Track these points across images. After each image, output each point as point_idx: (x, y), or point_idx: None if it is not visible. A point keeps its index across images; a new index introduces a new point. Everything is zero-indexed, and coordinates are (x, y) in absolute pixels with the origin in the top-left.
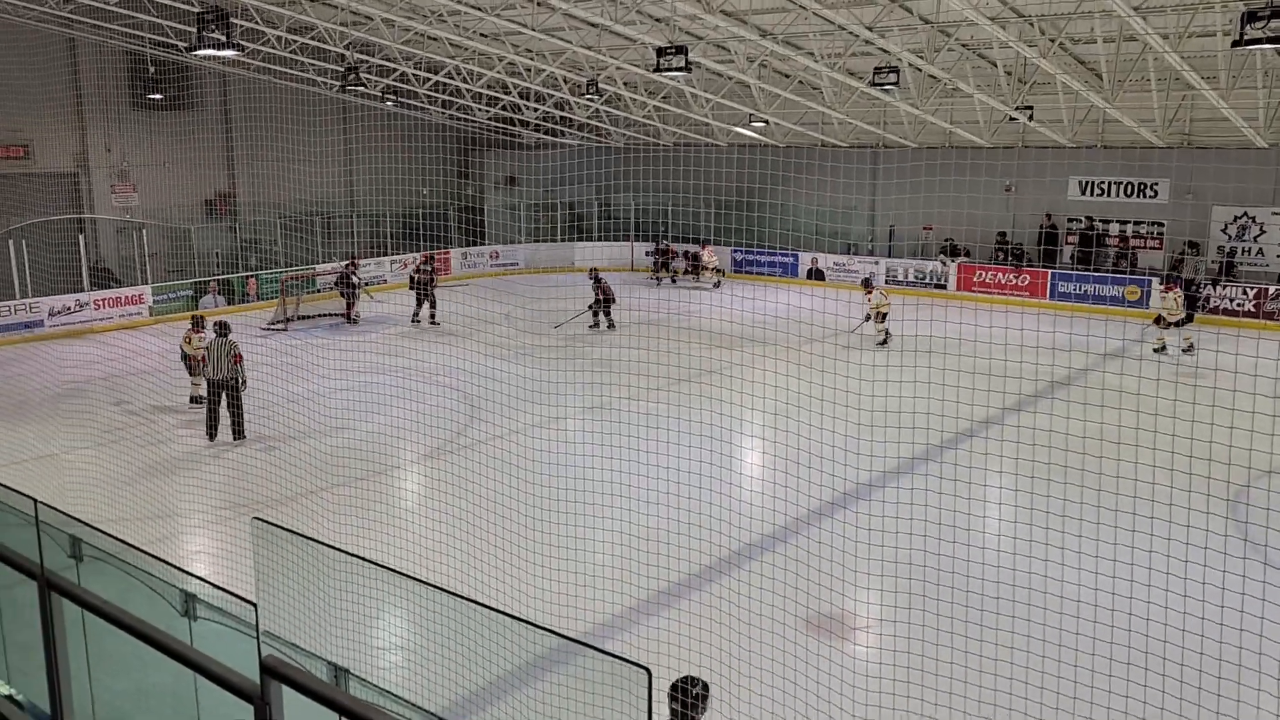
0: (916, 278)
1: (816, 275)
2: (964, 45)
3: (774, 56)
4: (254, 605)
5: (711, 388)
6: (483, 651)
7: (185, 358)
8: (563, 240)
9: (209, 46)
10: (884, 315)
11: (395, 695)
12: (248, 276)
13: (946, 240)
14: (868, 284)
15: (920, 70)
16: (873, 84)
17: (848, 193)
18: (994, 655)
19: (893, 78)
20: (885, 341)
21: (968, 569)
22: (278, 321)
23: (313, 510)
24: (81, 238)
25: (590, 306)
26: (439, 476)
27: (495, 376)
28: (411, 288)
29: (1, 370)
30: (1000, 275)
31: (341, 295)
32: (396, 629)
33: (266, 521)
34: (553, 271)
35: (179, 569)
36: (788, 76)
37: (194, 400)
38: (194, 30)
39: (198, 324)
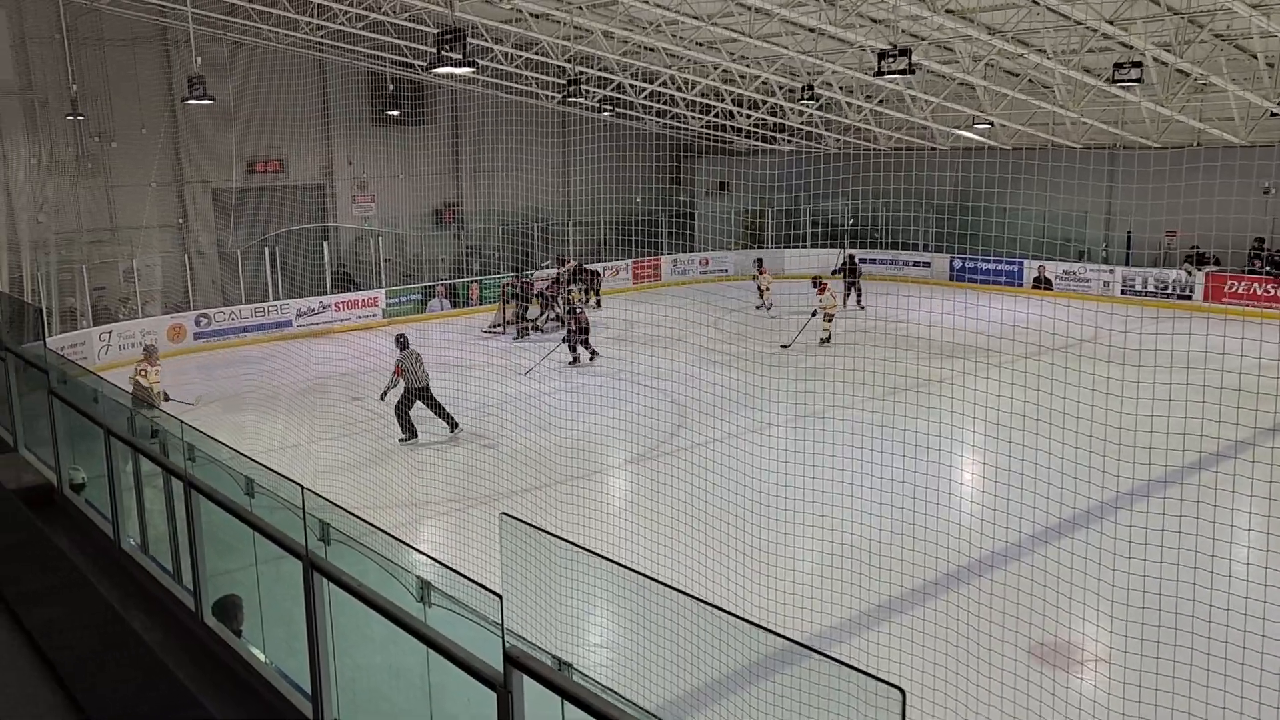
0: (1157, 287)
1: (1044, 284)
2: (1218, 36)
3: (1002, 55)
4: (499, 597)
5: (930, 398)
6: (706, 656)
7: (135, 389)
8: (774, 247)
9: (447, 64)
10: (830, 316)
11: (616, 693)
12: (471, 282)
13: (1193, 248)
14: (818, 282)
15: (1167, 65)
16: (1112, 81)
17: (1081, 194)
18: (1238, 708)
19: (1135, 73)
20: (827, 340)
21: (1211, 602)
22: (496, 325)
23: (526, 507)
24: (325, 244)
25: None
26: (648, 480)
27: (704, 382)
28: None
29: (255, 366)
30: (1257, 286)
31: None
32: (618, 627)
33: (513, 517)
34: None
35: (431, 558)
36: (1016, 75)
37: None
38: (431, 50)
39: (150, 354)
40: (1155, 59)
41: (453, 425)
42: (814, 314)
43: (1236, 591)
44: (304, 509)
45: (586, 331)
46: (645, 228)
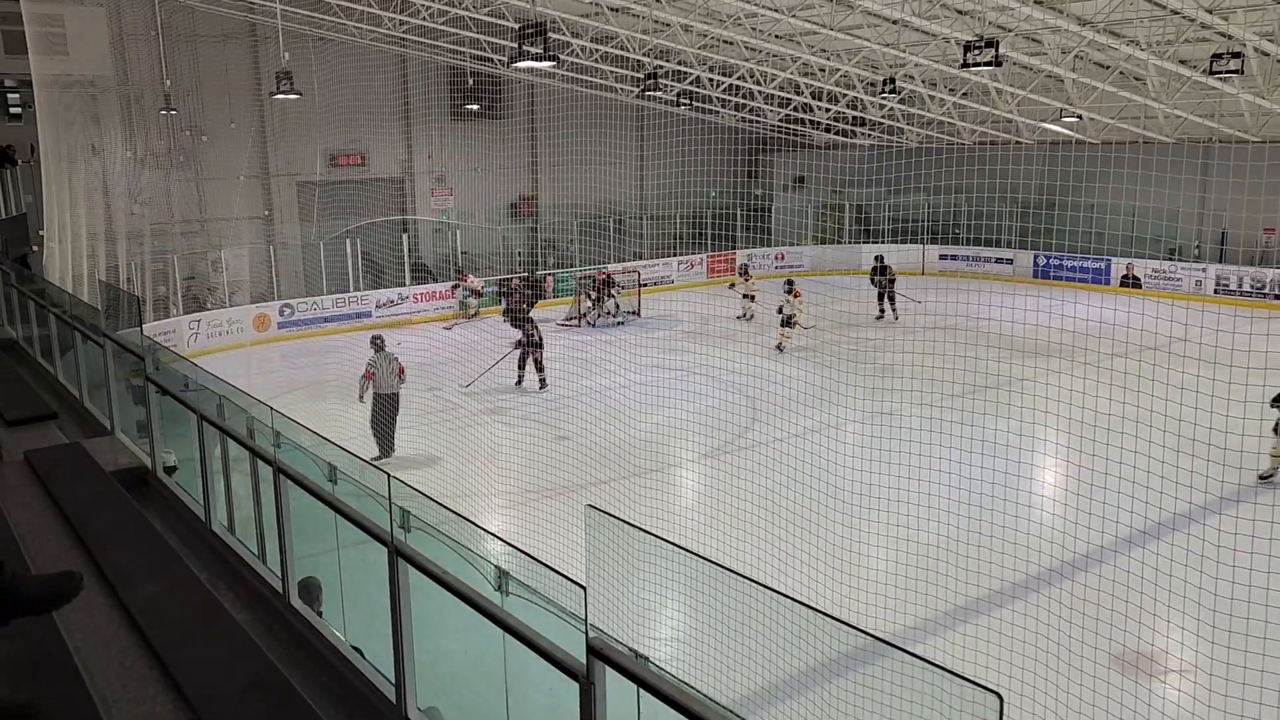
0: (1254, 287)
1: (1132, 283)
2: None
3: (1092, 47)
4: (584, 589)
5: (1011, 395)
6: (784, 651)
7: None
8: (850, 243)
9: (528, 59)
10: (794, 323)
11: (694, 687)
12: (545, 275)
13: None
14: (791, 285)
15: (1269, 55)
16: (1209, 72)
17: (1173, 190)
18: None
19: (1235, 64)
20: (779, 348)
21: None
22: (572, 318)
23: (603, 499)
24: (405, 237)
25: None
26: (721, 475)
27: (779, 377)
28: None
29: (335, 356)
30: None
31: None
32: (698, 621)
33: (598, 509)
34: (838, 274)
35: (515, 548)
36: (1106, 68)
37: None
38: (511, 45)
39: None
40: (1256, 49)
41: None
42: (788, 322)
43: None
44: (390, 497)
45: (539, 347)
46: (720, 222)
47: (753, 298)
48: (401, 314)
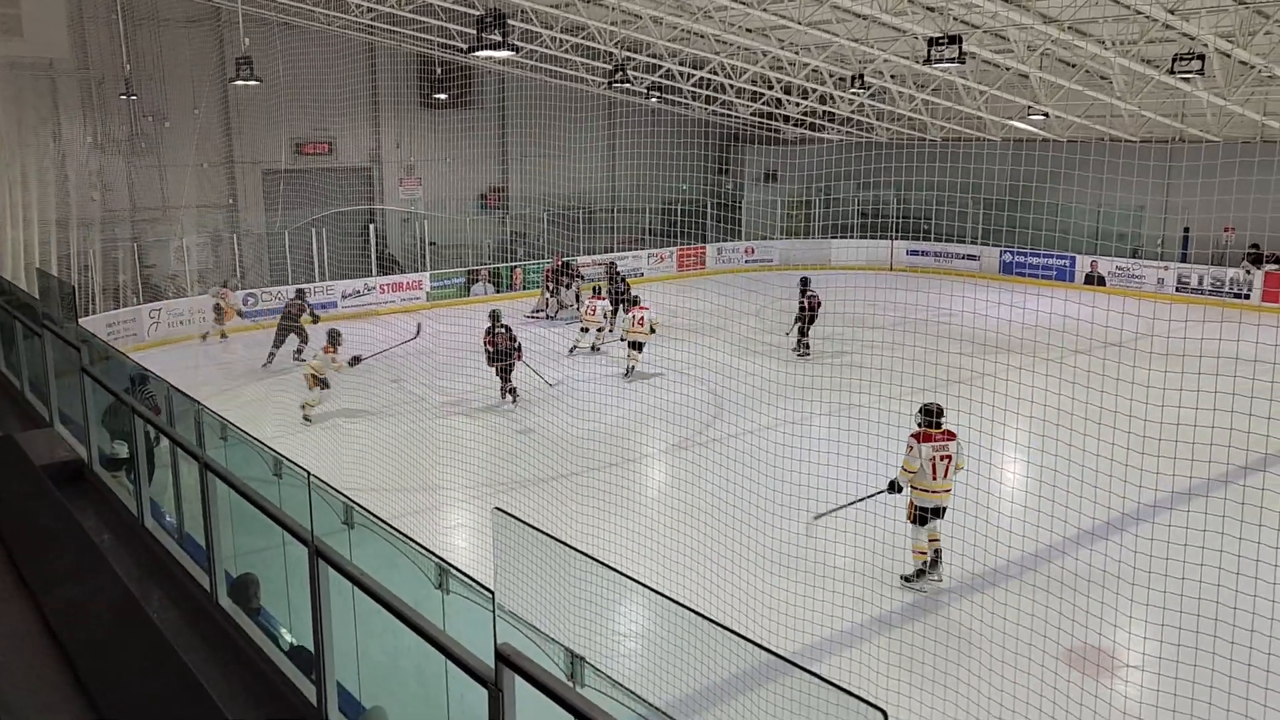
0: (1214, 286)
1: (1096, 280)
2: None
3: (1058, 45)
4: (491, 593)
5: (975, 391)
6: (704, 658)
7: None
8: (820, 238)
9: (487, 47)
10: (585, 329)
11: (626, 688)
12: (514, 267)
13: (1252, 246)
14: (636, 301)
15: (1230, 56)
16: (1172, 72)
17: (1138, 193)
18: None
19: (1196, 65)
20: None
21: (1253, 607)
22: (539, 310)
23: (561, 494)
24: (371, 227)
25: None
26: (681, 470)
27: (742, 373)
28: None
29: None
30: None
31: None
32: (627, 624)
33: (505, 512)
34: (809, 269)
35: (421, 547)
36: (1072, 66)
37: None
38: (476, 33)
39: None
40: (1218, 50)
41: None
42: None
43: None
44: (309, 495)
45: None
46: (691, 215)
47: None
48: (368, 305)
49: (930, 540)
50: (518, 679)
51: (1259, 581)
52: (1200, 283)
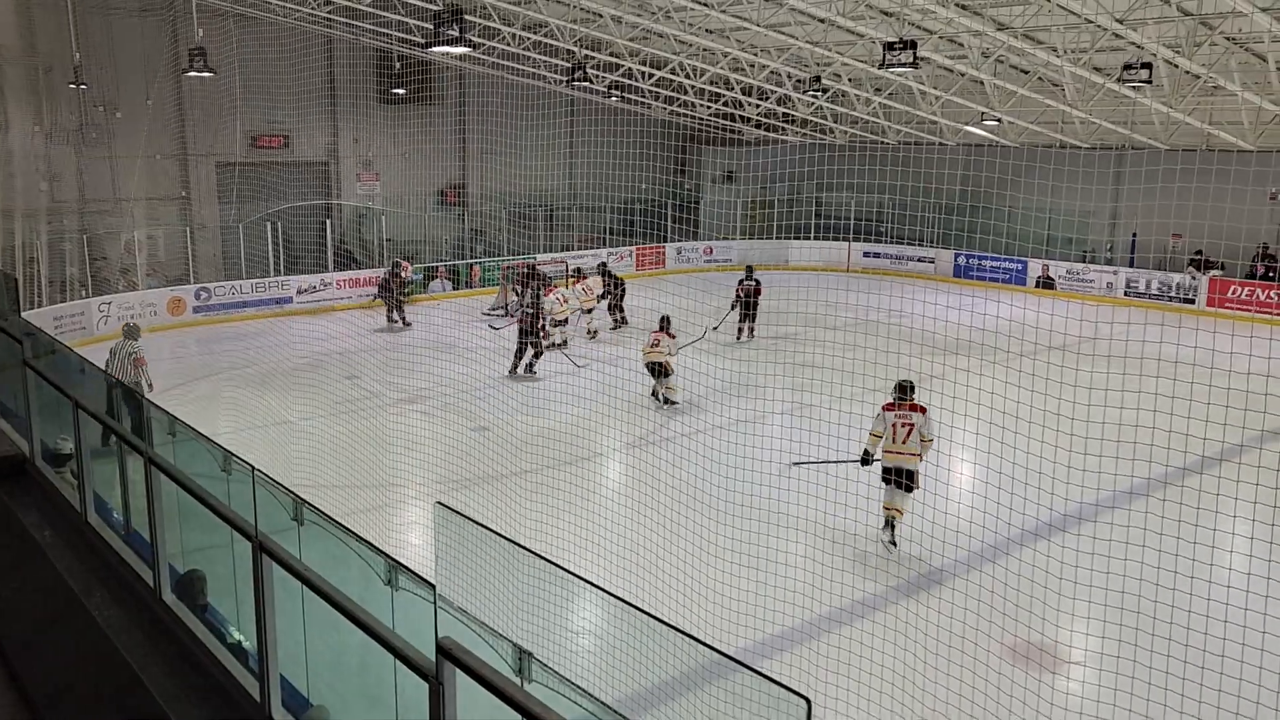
0: (1161, 290)
1: (1046, 284)
2: (1229, 39)
3: (1011, 51)
4: (433, 587)
5: (926, 394)
6: (650, 654)
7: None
8: (778, 238)
9: (444, 43)
10: (557, 322)
11: (574, 684)
12: (472, 264)
13: (1197, 252)
14: (579, 272)
15: (1176, 66)
16: (1121, 81)
17: (1088, 198)
18: (1216, 702)
19: (1145, 74)
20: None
21: (1189, 605)
22: (497, 308)
23: (516, 491)
24: (328, 222)
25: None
26: (635, 467)
27: (699, 372)
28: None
29: (253, 341)
30: (1260, 292)
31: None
32: (575, 620)
33: (448, 507)
34: (767, 269)
35: (360, 538)
36: (1025, 72)
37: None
38: (433, 28)
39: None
40: (1165, 60)
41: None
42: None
43: (1231, 599)
44: (254, 490)
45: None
46: (650, 214)
47: (591, 310)
48: (324, 301)
49: (885, 507)
50: (459, 673)
51: (1194, 580)
52: (1148, 287)
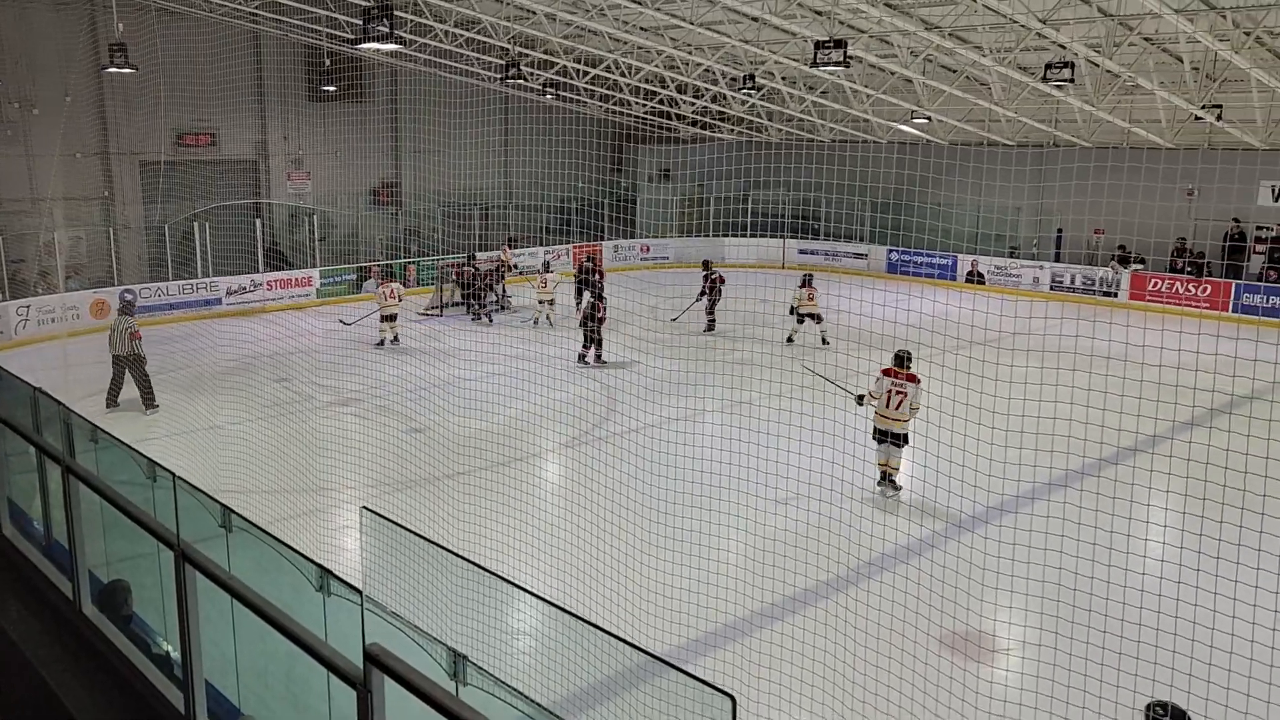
0: (1085, 284)
1: (976, 279)
2: (1147, 39)
3: (939, 51)
4: (360, 592)
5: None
6: (584, 656)
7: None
8: (714, 236)
9: (374, 39)
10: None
11: (510, 686)
12: (407, 263)
13: (1119, 247)
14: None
15: (1097, 66)
16: (1045, 80)
17: (1015, 195)
18: (1135, 687)
19: (1067, 74)
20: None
21: (1106, 593)
22: (433, 307)
23: (452, 492)
24: (258, 221)
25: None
26: (574, 466)
27: (637, 369)
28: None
29: (180, 345)
30: (1178, 285)
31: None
32: (509, 622)
33: (374, 512)
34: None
35: (288, 546)
36: (953, 72)
37: None
38: (362, 24)
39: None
40: (1087, 60)
41: (148, 404)
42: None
43: (1148, 585)
44: (175, 498)
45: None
46: (586, 213)
47: (552, 301)
48: (253, 302)
49: (880, 464)
50: (388, 680)
51: (1111, 569)
52: (1072, 281)
